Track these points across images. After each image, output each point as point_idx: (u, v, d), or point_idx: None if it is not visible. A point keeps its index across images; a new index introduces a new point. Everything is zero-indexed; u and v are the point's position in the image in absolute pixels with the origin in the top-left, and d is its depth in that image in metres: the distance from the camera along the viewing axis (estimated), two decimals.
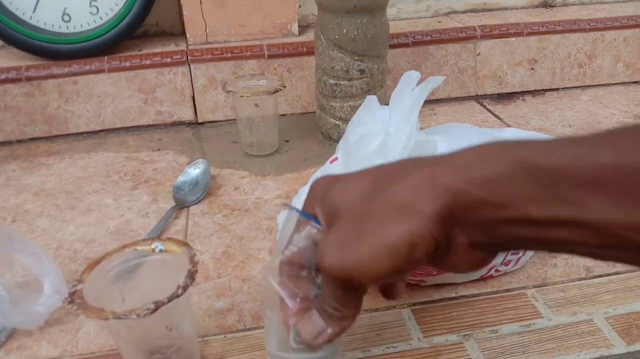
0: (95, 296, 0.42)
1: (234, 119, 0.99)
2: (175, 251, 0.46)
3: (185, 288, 0.41)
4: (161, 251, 0.46)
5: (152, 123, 1.01)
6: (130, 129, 1.00)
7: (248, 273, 0.62)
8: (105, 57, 0.97)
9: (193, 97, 1.00)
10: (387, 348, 0.52)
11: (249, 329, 0.54)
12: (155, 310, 0.39)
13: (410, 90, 0.54)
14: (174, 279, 0.46)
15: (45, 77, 0.95)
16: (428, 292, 0.58)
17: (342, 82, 0.84)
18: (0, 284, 0.50)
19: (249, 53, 0.99)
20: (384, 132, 0.54)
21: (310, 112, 1.03)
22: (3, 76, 0.94)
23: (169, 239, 0.47)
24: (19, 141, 0.97)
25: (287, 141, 0.93)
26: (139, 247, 0.47)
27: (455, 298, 0.57)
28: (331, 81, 0.85)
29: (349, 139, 0.59)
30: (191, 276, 0.42)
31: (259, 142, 0.88)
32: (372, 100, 0.60)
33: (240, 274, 0.62)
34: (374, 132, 0.56)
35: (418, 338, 0.52)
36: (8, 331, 0.54)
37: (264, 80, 0.87)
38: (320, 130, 0.93)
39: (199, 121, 1.02)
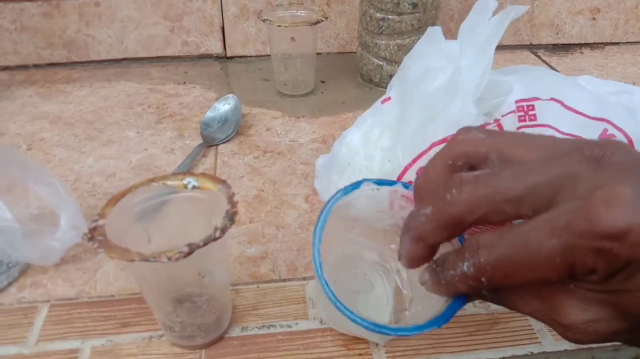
0: (118, 234, 0.37)
1: (266, 56, 0.92)
2: (211, 188, 0.40)
3: (223, 231, 0.35)
4: (194, 187, 0.40)
5: (177, 54, 0.93)
6: (155, 60, 0.93)
7: (282, 220, 0.56)
8: None
9: (222, 28, 0.92)
10: None
11: (284, 280, 0.49)
12: (189, 253, 0.34)
13: (486, 20, 0.46)
14: (206, 221, 0.40)
15: None
16: None
17: (390, 17, 0.76)
18: (12, 216, 0.45)
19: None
20: (453, 67, 0.46)
21: (348, 52, 0.95)
22: None
23: (203, 174, 0.41)
24: (36, 66, 0.91)
25: (323, 82, 0.86)
26: (168, 182, 0.41)
27: None
28: (378, 15, 0.76)
29: (406, 75, 0.51)
30: (230, 217, 0.37)
31: (293, 80, 0.81)
32: (435, 31, 0.52)
33: (274, 221, 0.56)
34: (439, 68, 0.49)
35: (474, 303, 0.47)
36: (21, 266, 0.49)
37: (302, 11, 0.79)
38: (360, 71, 0.85)
39: (228, 54, 0.94)
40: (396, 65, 0.78)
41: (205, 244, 0.34)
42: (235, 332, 0.44)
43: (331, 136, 0.71)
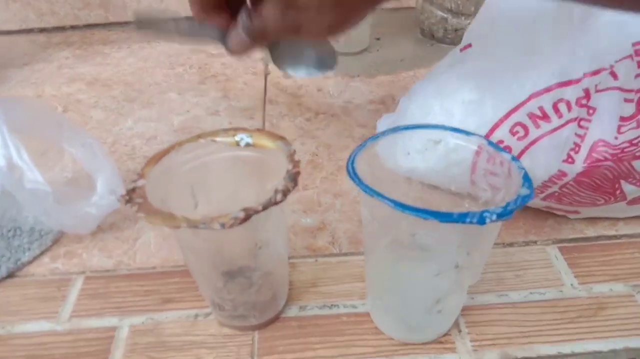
0: (160, 197, 0.31)
1: None
2: (267, 145, 0.34)
3: (285, 194, 0.29)
4: (248, 144, 0.34)
5: None
6: None
7: (340, 188, 0.50)
8: None
9: None
10: (531, 293, 0.39)
11: (345, 254, 0.43)
12: (245, 219, 0.28)
13: None
14: (261, 183, 0.34)
15: None
16: (578, 227, 0.44)
17: None
18: (44, 179, 0.40)
19: None
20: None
21: (404, 8, 0.86)
22: None
23: (259, 130, 0.35)
24: (73, 27, 0.86)
25: (378, 39, 0.78)
26: (218, 139, 0.35)
27: (615, 237, 0.44)
28: None
29: (493, 16, 0.43)
30: (292, 178, 0.30)
31: (346, 36, 0.73)
32: None
33: (330, 188, 0.50)
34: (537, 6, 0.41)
35: (572, 284, 0.40)
36: (54, 234, 0.44)
37: None
38: (420, 26, 0.77)
39: None
40: (463, 18, 0.70)
41: (264, 208, 0.28)
42: (293, 312, 0.38)
43: (390, 97, 0.64)
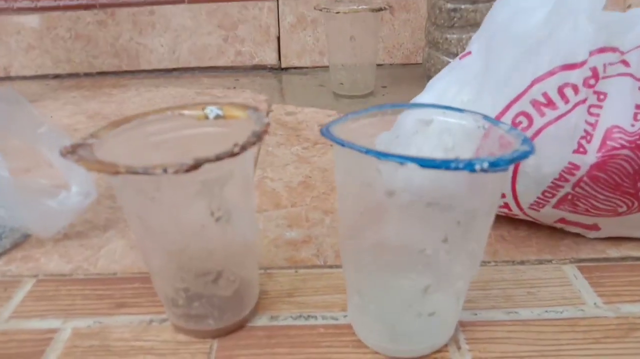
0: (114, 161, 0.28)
1: (323, 67, 0.85)
2: (239, 115, 0.31)
3: (244, 147, 0.26)
4: (218, 116, 0.31)
5: (230, 65, 0.88)
6: (206, 70, 0.88)
7: (332, 205, 0.46)
8: None
9: (278, 38, 0.87)
10: (546, 311, 0.33)
11: (330, 267, 0.38)
12: (193, 168, 0.24)
13: None
14: None
15: (120, 5, 0.85)
16: (599, 247, 0.39)
17: (463, 7, 0.67)
18: (3, 165, 0.37)
19: None
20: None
21: (413, 64, 0.86)
22: (77, 1, 0.85)
23: (230, 103, 0.32)
24: (87, 74, 0.88)
25: (385, 87, 0.77)
26: (186, 112, 0.32)
27: None
28: (449, 5, 0.68)
29: (492, 22, 0.41)
30: (256, 135, 0.27)
31: (351, 79, 0.72)
32: None
33: (321, 206, 0.45)
34: (534, 7, 0.39)
35: (595, 304, 0.33)
36: (15, 237, 0.41)
37: (364, 6, 0.72)
38: (427, 73, 0.76)
39: (283, 65, 0.88)
40: None
41: (218, 159, 0.24)
42: (262, 321, 0.33)
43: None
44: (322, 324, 0.32)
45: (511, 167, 0.25)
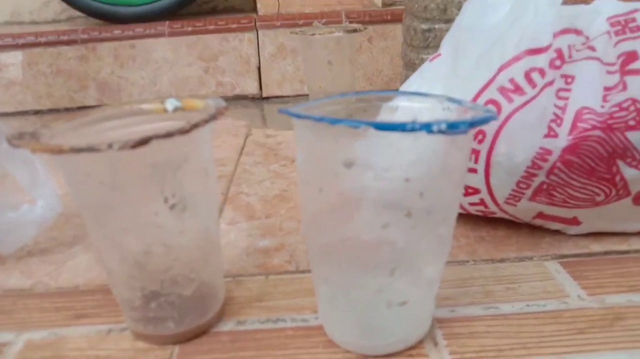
0: None
1: (304, 95, 0.85)
2: (198, 106, 0.30)
3: (196, 125, 0.25)
4: (177, 108, 0.30)
5: (211, 95, 0.88)
6: None
7: None
8: (167, 22, 0.87)
9: (259, 68, 0.87)
10: (528, 305, 0.31)
11: (302, 272, 0.36)
12: (140, 143, 0.23)
13: None
14: None
15: (102, 40, 0.86)
16: (582, 243, 0.37)
17: (437, 26, 0.68)
18: None
19: (324, 20, 0.86)
20: None
21: (393, 90, 0.87)
22: (59, 38, 0.86)
23: (189, 95, 0.31)
24: (67, 109, 0.88)
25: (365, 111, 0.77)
26: (144, 106, 0.31)
27: (628, 252, 0.36)
28: (423, 26, 0.69)
29: (462, 17, 0.41)
30: (211, 115, 0.26)
31: None
32: None
33: (296, 216, 0.44)
34: (497, 4, 0.39)
35: (578, 296, 0.32)
36: None
37: (340, 32, 0.73)
38: None
39: (264, 95, 0.88)
40: None
41: (167, 135, 0.23)
42: (227, 326, 0.31)
43: None
44: (292, 326, 0.30)
45: (471, 133, 0.24)
